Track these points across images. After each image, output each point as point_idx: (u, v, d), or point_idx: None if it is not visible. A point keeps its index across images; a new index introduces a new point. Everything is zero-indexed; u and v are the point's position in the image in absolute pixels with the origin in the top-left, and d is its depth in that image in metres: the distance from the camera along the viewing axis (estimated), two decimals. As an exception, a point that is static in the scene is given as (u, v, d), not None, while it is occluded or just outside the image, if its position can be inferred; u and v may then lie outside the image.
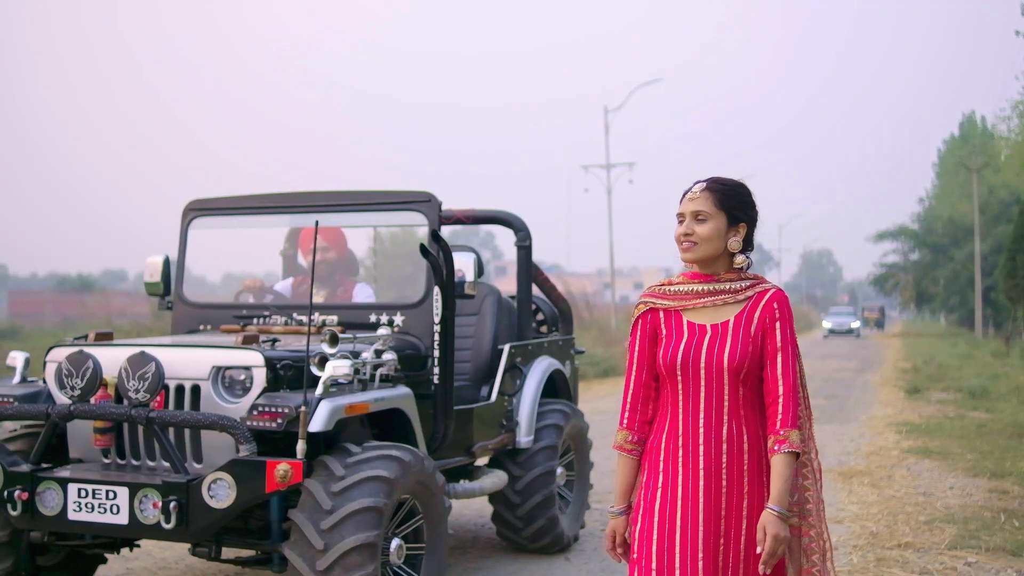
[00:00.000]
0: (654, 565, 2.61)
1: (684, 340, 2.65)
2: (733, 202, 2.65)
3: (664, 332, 2.69)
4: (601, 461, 9.14)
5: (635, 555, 2.67)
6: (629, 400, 2.75)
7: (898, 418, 12.54)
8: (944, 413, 12.91)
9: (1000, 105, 76.79)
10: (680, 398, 2.64)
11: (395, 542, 4.13)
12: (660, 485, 2.64)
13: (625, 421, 2.75)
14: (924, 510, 6.97)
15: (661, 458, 2.66)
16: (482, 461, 5.65)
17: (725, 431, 2.60)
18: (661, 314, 2.71)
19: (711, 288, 2.67)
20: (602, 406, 13.52)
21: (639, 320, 2.75)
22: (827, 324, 47.95)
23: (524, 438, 5.59)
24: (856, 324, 47.60)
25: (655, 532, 2.62)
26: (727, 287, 2.66)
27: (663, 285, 2.75)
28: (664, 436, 2.67)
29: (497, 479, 5.41)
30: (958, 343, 31.29)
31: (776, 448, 2.56)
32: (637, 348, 2.74)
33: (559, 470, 5.75)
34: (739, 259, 2.66)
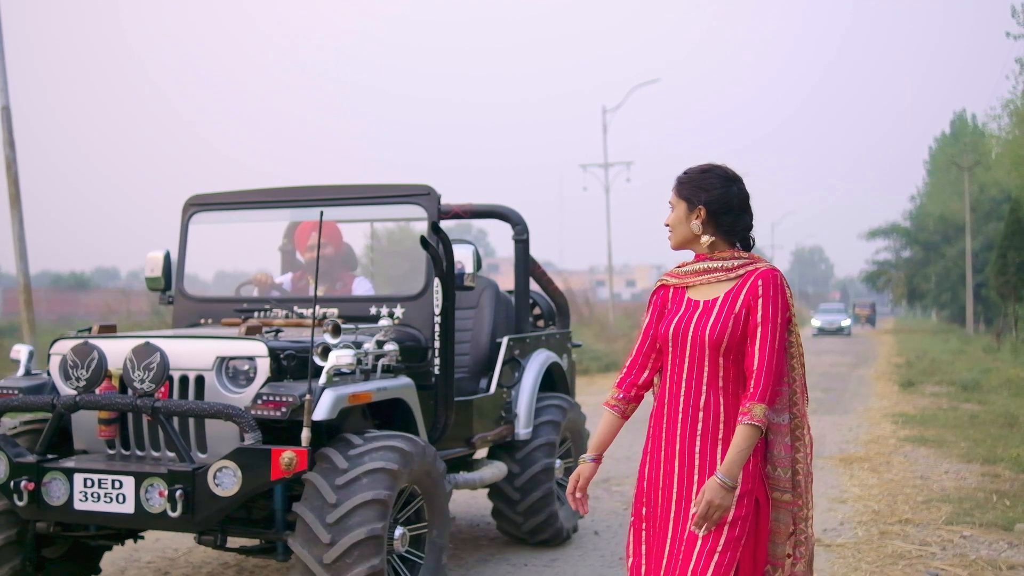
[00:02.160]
0: (644, 525, 2.81)
1: (679, 314, 2.82)
2: (688, 189, 2.82)
3: (670, 307, 2.87)
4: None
5: (632, 516, 2.87)
6: (627, 364, 2.94)
7: (894, 410, 12.81)
8: (938, 405, 13.17)
9: (991, 104, 77.06)
10: (669, 368, 2.82)
11: (399, 531, 4.16)
12: (649, 450, 2.84)
13: (617, 381, 2.95)
14: (922, 491, 7.31)
15: (651, 423, 2.85)
16: (481, 453, 5.70)
17: (703, 400, 2.74)
18: (671, 291, 2.90)
19: (706, 267, 2.83)
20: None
21: (653, 295, 2.95)
22: (816, 322, 45.90)
23: (523, 430, 5.64)
24: (847, 322, 45.74)
25: (644, 496, 2.82)
26: (719, 265, 2.81)
27: (679, 266, 2.92)
28: (656, 404, 2.86)
29: (496, 470, 5.46)
30: (950, 339, 31.54)
31: (740, 419, 2.68)
32: (647, 320, 2.92)
33: (557, 463, 5.81)
34: (704, 239, 2.81)
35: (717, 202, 2.78)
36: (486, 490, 5.79)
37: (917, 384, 16.08)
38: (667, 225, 2.89)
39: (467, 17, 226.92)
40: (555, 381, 6.22)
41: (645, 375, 2.89)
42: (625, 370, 2.93)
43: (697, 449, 2.73)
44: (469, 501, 7.09)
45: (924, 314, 62.78)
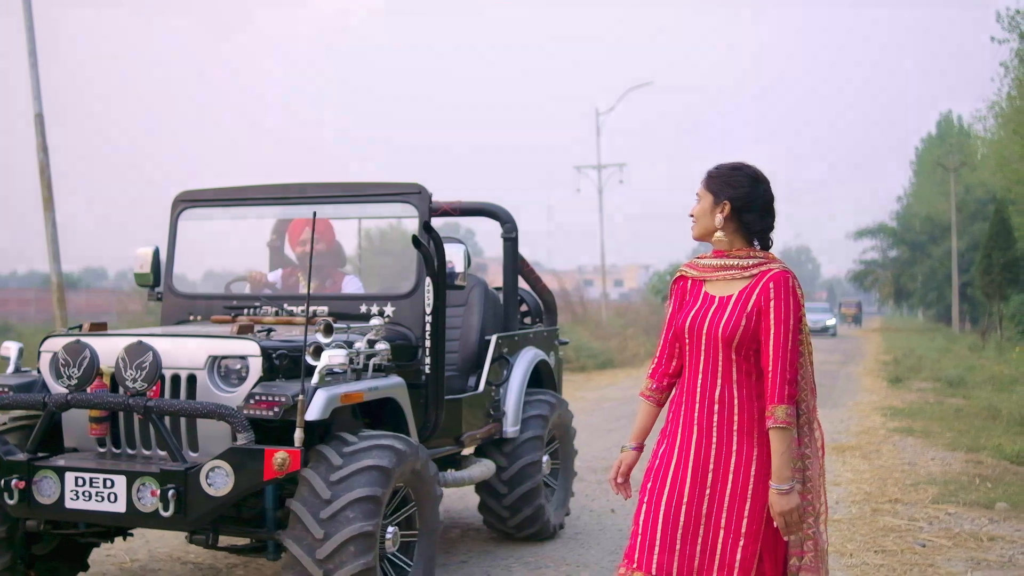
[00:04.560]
0: (645, 499, 2.93)
1: (695, 308, 2.91)
2: (716, 183, 2.92)
3: (688, 299, 2.97)
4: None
5: (643, 491, 2.98)
6: (656, 354, 3.06)
7: (882, 403, 13.17)
8: (925, 399, 13.51)
9: (977, 106, 77.45)
10: (687, 360, 2.92)
11: (390, 530, 4.16)
12: (667, 435, 2.95)
13: (650, 371, 3.07)
14: (910, 476, 7.79)
15: (671, 409, 2.97)
16: (468, 451, 5.72)
17: (717, 393, 2.84)
18: (688, 282, 3.00)
19: (723, 263, 2.92)
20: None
21: (673, 286, 3.05)
22: None
23: (511, 427, 5.66)
24: (831, 321, 43.52)
25: (651, 472, 2.94)
26: (735, 263, 2.90)
27: (698, 259, 3.02)
28: (676, 391, 2.98)
29: (485, 468, 5.48)
30: (936, 337, 31.77)
31: (767, 423, 2.78)
32: (669, 310, 3.02)
33: (544, 459, 5.83)
34: (717, 234, 2.92)
35: (742, 199, 2.88)
36: (473, 486, 5.81)
37: (904, 380, 16.42)
38: (691, 216, 2.98)
39: (464, 17, 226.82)
40: (542, 378, 6.24)
41: (674, 363, 3.00)
42: (655, 361, 3.04)
43: (714, 439, 2.84)
44: (463, 498, 7.10)
45: (910, 313, 63.14)
